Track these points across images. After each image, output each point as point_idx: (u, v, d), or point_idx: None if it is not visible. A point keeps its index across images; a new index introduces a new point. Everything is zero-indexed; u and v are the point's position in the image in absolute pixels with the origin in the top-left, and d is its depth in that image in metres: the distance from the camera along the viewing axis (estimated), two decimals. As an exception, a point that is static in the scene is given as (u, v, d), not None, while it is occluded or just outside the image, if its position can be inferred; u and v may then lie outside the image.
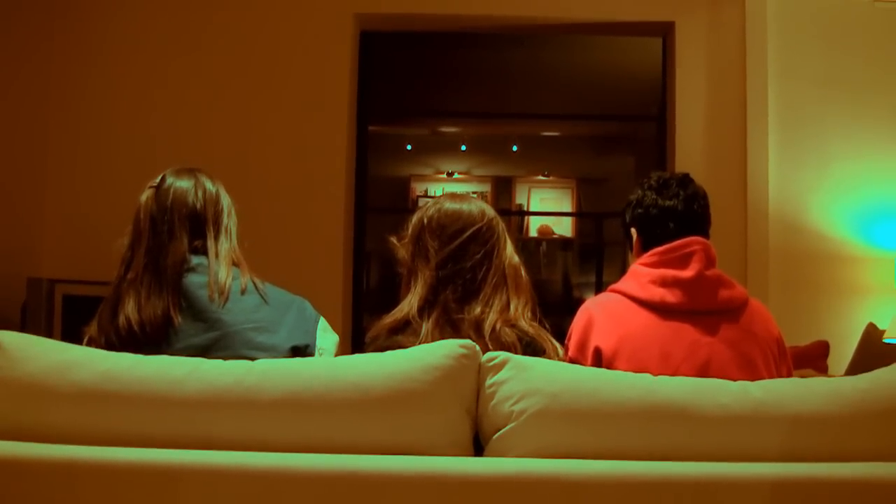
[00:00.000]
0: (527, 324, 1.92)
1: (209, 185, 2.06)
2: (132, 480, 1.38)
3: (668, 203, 2.25)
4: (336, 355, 1.99)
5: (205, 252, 1.97)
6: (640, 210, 2.28)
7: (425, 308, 1.90)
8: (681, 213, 2.23)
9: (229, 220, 2.06)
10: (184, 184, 2.03)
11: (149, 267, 1.92)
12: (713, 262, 2.15)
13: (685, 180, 2.30)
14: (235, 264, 2.00)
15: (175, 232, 1.96)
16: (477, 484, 1.38)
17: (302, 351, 1.94)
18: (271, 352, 1.87)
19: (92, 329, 1.90)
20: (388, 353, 1.58)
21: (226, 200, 2.08)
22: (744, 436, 1.46)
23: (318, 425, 1.45)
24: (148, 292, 1.88)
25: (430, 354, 1.51)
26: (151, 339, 1.83)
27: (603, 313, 2.15)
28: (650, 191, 2.28)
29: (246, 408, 1.46)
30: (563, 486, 1.38)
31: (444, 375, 1.49)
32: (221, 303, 1.90)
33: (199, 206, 2.01)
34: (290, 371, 1.51)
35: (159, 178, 2.05)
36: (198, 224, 2.00)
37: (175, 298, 1.88)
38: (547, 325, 1.97)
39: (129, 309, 1.86)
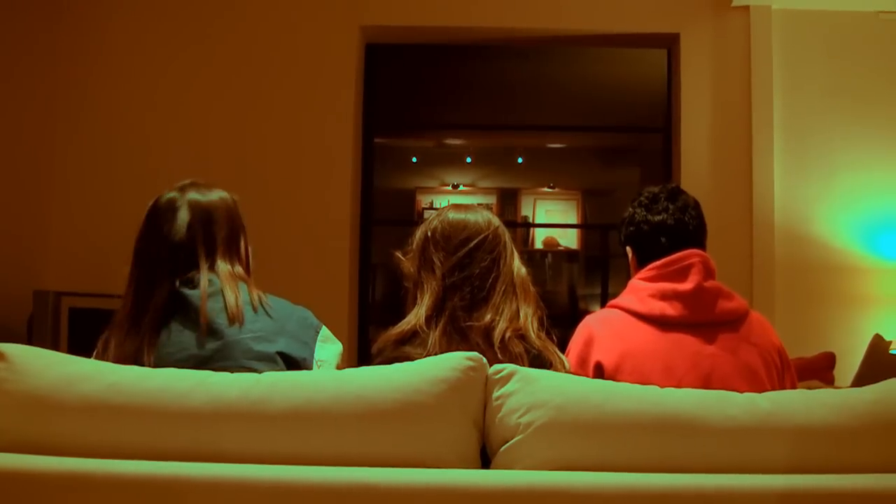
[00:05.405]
0: (535, 335, 1.91)
1: (199, 197, 1.98)
2: (138, 493, 1.37)
3: (657, 218, 2.25)
4: (340, 366, 1.96)
5: (212, 269, 1.92)
6: (631, 227, 2.30)
7: (433, 317, 1.89)
8: (671, 227, 2.24)
9: (240, 235, 2.00)
10: (171, 209, 1.95)
11: (132, 310, 1.88)
12: (712, 273, 2.15)
13: (674, 193, 2.30)
14: (241, 280, 1.95)
15: (157, 272, 1.90)
16: (484, 496, 1.38)
17: (297, 363, 1.88)
18: (269, 361, 1.83)
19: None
20: (395, 365, 1.57)
21: (221, 209, 1.99)
22: (752, 447, 1.46)
23: (325, 438, 1.45)
24: (126, 334, 1.84)
25: (437, 367, 1.51)
26: None
27: (604, 329, 2.15)
28: (640, 207, 2.30)
29: (252, 420, 1.45)
30: (570, 499, 1.38)
31: (450, 388, 1.48)
32: (239, 324, 1.85)
33: (181, 237, 1.93)
34: (297, 384, 1.50)
35: (151, 204, 1.98)
36: (188, 254, 1.92)
37: (152, 339, 1.82)
38: (554, 337, 1.97)
39: (112, 348, 1.84)
